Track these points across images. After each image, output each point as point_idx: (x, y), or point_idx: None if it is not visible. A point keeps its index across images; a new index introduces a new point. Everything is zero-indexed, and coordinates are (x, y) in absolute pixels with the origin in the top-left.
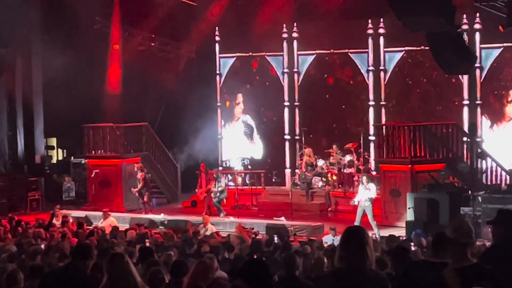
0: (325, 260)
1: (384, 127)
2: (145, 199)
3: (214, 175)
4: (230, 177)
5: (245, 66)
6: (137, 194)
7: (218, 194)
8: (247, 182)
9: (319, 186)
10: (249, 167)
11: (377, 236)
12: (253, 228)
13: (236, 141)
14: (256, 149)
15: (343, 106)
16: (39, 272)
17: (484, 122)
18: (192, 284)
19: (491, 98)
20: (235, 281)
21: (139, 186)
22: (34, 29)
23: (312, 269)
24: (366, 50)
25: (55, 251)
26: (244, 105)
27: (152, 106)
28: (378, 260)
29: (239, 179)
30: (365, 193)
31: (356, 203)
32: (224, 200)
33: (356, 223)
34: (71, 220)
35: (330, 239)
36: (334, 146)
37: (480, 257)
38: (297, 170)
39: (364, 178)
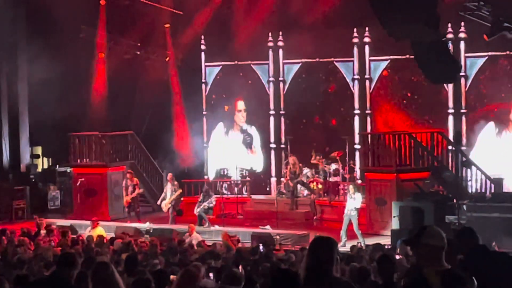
0: None
1: (369, 135)
2: (138, 207)
3: (204, 191)
4: (226, 186)
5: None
6: (128, 203)
7: (205, 208)
8: (245, 192)
9: (305, 194)
10: (248, 178)
11: (362, 244)
12: (235, 236)
13: (236, 150)
14: (257, 160)
15: (329, 115)
16: (24, 281)
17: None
18: None
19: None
20: None
21: (136, 192)
22: (19, 37)
23: None
24: (352, 59)
25: (40, 260)
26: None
27: (138, 115)
28: (361, 269)
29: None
30: (351, 203)
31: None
32: (210, 213)
33: (342, 232)
34: (56, 229)
35: None
36: (319, 155)
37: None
38: (282, 179)
39: (351, 187)
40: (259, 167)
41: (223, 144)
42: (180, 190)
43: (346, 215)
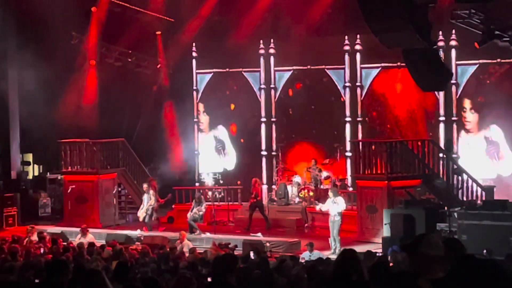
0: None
1: (360, 143)
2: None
3: (196, 198)
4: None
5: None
6: (148, 212)
7: (196, 215)
8: (218, 197)
9: (296, 202)
10: (221, 181)
11: (337, 250)
12: (229, 244)
13: (208, 155)
14: (229, 162)
15: (320, 122)
16: None
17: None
18: None
19: None
20: None
21: (157, 202)
22: (10, 44)
23: (292, 286)
24: (343, 66)
25: (31, 267)
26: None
27: (129, 122)
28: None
29: (210, 194)
30: (334, 208)
31: (321, 209)
32: (199, 221)
33: (331, 239)
34: (47, 237)
35: (307, 255)
36: (312, 161)
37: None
38: (273, 186)
39: (330, 193)
40: (231, 166)
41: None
42: (152, 200)
43: (331, 221)
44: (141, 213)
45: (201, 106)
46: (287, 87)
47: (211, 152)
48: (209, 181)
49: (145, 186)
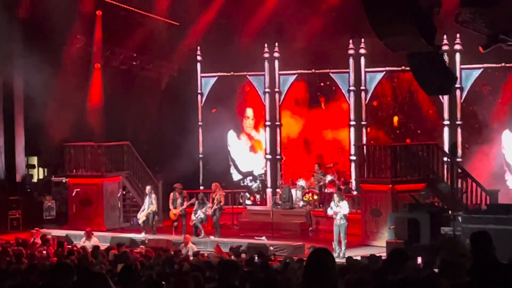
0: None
1: (365, 147)
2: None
3: (200, 199)
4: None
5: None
6: (177, 216)
7: (201, 215)
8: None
9: (300, 205)
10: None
11: (342, 254)
12: (241, 246)
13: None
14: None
15: (325, 126)
16: None
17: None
18: None
19: None
20: None
21: (186, 204)
22: (16, 47)
23: None
24: (347, 70)
25: (34, 270)
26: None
27: (134, 125)
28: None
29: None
30: (339, 212)
31: (334, 211)
32: (205, 221)
33: (335, 243)
34: (50, 240)
35: None
36: (315, 166)
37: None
38: (278, 190)
39: (335, 196)
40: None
41: (238, 149)
42: (154, 206)
43: (336, 225)
44: (141, 216)
45: (250, 111)
46: None
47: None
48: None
49: (148, 188)
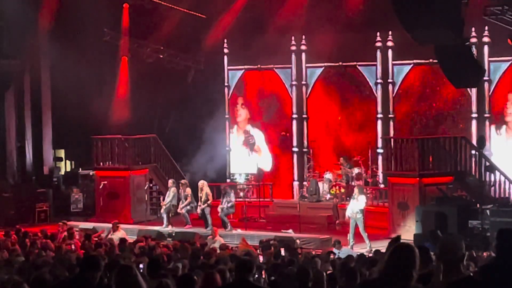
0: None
1: (392, 139)
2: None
3: (222, 190)
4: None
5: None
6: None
7: (225, 208)
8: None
9: (327, 198)
10: (253, 182)
11: (368, 247)
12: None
13: (240, 154)
14: (263, 161)
15: (352, 118)
16: (44, 284)
17: None
18: None
19: None
20: None
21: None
22: (43, 40)
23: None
24: (375, 63)
25: (62, 262)
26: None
27: (161, 118)
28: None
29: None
30: (356, 205)
31: (348, 217)
32: (231, 215)
33: (350, 235)
34: (76, 233)
35: (335, 251)
36: (341, 159)
37: (481, 267)
38: (305, 183)
39: (356, 189)
40: (267, 166)
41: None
42: (169, 199)
43: (352, 218)
44: (164, 209)
45: (240, 100)
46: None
47: (241, 150)
48: (241, 181)
49: (170, 182)
